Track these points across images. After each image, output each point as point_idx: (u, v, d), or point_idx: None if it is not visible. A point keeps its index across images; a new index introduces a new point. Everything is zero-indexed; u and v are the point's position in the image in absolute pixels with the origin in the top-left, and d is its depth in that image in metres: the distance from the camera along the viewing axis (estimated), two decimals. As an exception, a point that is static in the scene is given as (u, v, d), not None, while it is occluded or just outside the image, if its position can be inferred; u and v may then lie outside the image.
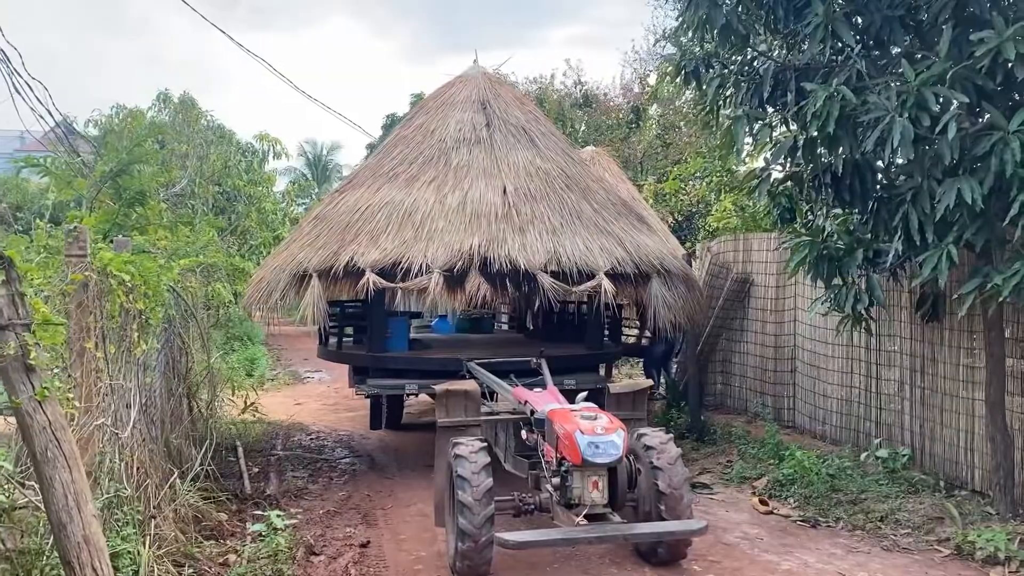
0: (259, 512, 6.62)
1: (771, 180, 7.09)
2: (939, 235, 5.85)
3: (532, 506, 5.82)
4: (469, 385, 6.69)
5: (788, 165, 7.10)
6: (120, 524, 4.88)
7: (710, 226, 14.87)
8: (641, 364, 13.33)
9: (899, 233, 6.10)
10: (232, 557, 5.84)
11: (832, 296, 7.14)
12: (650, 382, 7.24)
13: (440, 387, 6.59)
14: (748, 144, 7.06)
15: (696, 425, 10.10)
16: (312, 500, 7.78)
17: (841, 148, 6.28)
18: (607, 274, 8.22)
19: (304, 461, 9.41)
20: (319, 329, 9.65)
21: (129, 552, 4.78)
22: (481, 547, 5.40)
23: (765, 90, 6.73)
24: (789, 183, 7.25)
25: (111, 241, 6.11)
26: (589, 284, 8.19)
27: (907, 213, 5.93)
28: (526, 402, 6.51)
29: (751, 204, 13.11)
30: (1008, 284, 5.42)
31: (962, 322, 7.25)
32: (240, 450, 9.15)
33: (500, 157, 9.16)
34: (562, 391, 6.87)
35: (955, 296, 6.41)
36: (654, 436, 5.94)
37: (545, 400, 6.36)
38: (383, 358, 8.91)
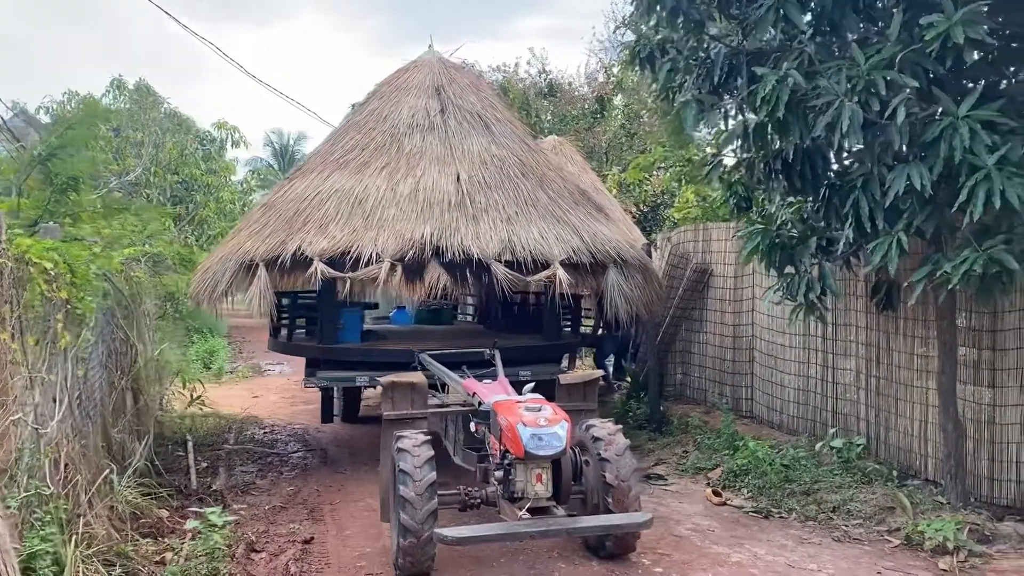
0: (197, 509, 6.42)
1: (721, 167, 6.99)
2: (889, 222, 5.79)
3: (478, 500, 5.67)
4: (416, 377, 6.52)
5: (740, 152, 7.00)
6: (41, 524, 4.67)
7: (674, 217, 14.79)
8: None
9: (850, 220, 6.03)
10: (169, 555, 5.64)
11: (785, 284, 7.06)
12: (601, 372, 7.12)
13: (385, 379, 6.40)
14: (700, 130, 6.94)
15: (655, 416, 10.03)
16: (259, 495, 7.59)
17: (791, 134, 6.18)
18: (563, 264, 8.10)
19: (255, 455, 9.20)
20: (270, 320, 9.47)
21: (50, 552, 4.58)
22: (423, 543, 5.25)
23: (716, 75, 6.60)
24: (742, 170, 7.16)
25: (39, 229, 5.85)
26: (544, 274, 8.06)
27: (857, 200, 5.86)
28: (474, 393, 6.36)
29: (712, 194, 13.04)
30: (957, 272, 5.34)
31: (916, 311, 7.21)
32: (190, 444, 8.94)
33: (454, 144, 8.98)
34: (516, 382, 6.73)
35: (906, 284, 6.35)
36: (602, 427, 5.83)
37: (493, 391, 6.22)
38: (334, 350, 8.69)
